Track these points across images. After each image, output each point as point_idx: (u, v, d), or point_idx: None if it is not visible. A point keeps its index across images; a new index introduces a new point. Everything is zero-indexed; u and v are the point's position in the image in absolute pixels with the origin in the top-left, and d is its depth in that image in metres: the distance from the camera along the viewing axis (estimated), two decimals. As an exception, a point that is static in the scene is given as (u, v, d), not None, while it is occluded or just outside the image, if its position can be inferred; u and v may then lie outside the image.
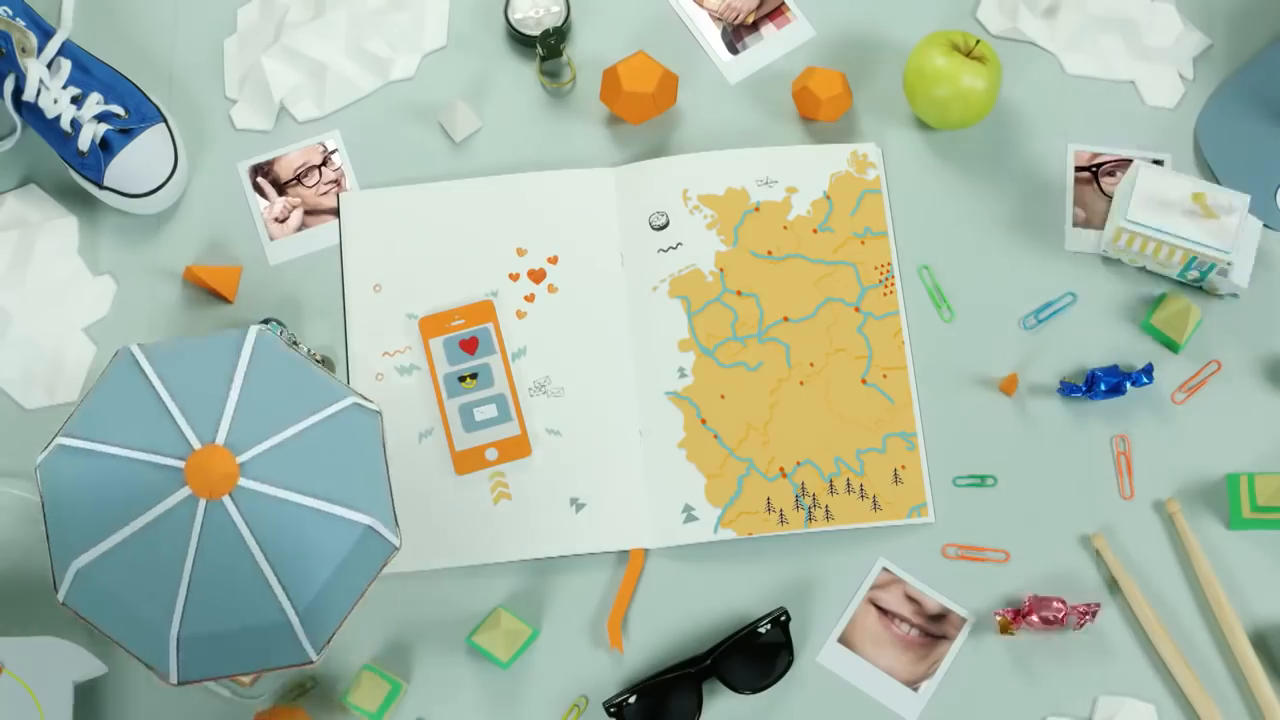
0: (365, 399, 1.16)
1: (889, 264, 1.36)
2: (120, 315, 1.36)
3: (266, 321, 1.32)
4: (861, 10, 1.45)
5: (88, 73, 1.36)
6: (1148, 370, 1.31)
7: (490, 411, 1.33)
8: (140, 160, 1.35)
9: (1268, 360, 1.35)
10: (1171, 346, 1.34)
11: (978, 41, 1.36)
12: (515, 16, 1.43)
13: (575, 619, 1.29)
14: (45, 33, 1.36)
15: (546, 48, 1.41)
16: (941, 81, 1.35)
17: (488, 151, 1.41)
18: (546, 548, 1.29)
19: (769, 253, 1.36)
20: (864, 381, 1.33)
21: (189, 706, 1.27)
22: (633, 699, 1.24)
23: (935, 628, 1.29)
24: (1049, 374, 1.35)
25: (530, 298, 1.36)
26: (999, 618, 1.26)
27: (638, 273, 1.36)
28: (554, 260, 1.37)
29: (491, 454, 1.31)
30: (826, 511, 1.30)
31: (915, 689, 1.28)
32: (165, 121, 1.37)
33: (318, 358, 1.32)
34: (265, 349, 1.15)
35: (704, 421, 1.32)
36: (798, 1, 1.45)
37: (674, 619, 1.29)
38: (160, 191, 1.35)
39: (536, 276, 1.36)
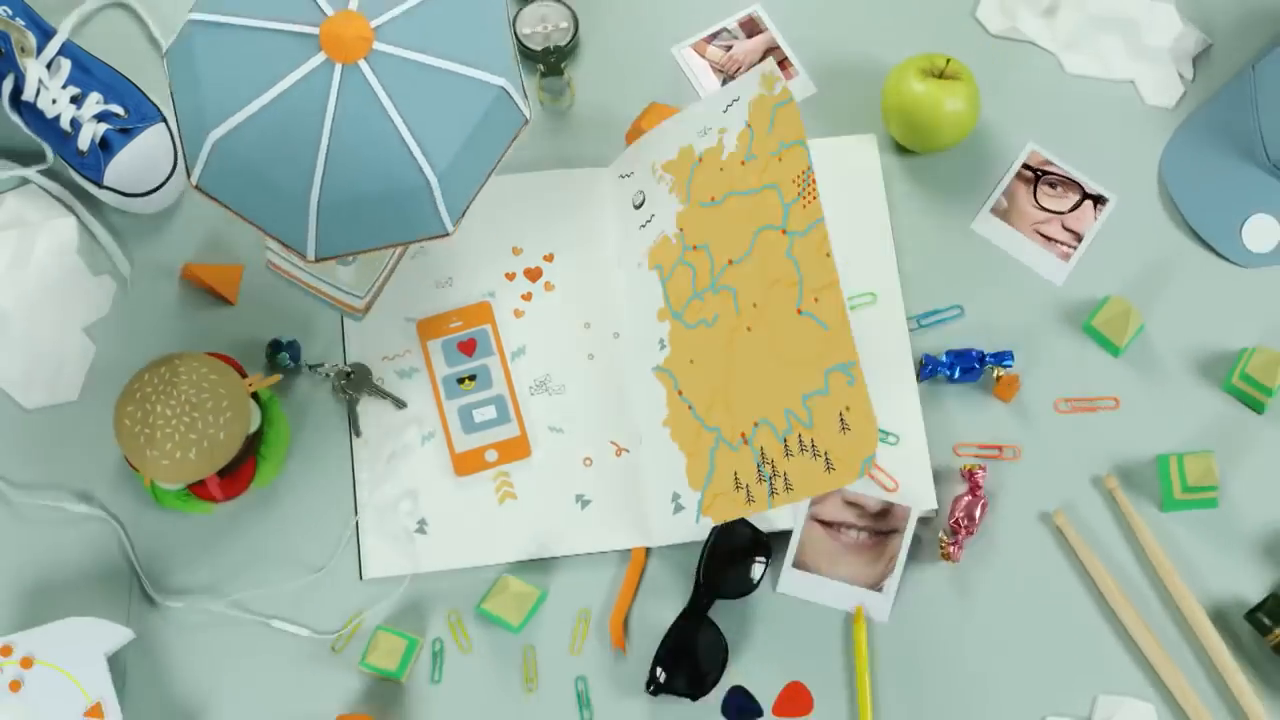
0: None
1: (805, 169, 1.26)
2: (120, 315, 1.36)
3: (277, 349, 1.32)
4: (858, 56, 1.44)
5: (87, 72, 1.36)
6: (981, 358, 1.32)
7: (490, 413, 1.33)
8: (140, 160, 1.35)
9: (1200, 356, 1.36)
10: (1111, 349, 1.34)
11: (948, 61, 1.36)
12: (523, 31, 1.43)
13: (575, 618, 1.29)
14: (45, 33, 1.36)
15: (547, 65, 1.41)
16: (923, 109, 1.34)
17: (486, 151, 1.41)
18: (554, 546, 1.29)
19: (712, 199, 1.32)
20: (799, 311, 1.25)
21: (211, 652, 1.27)
22: (660, 670, 1.25)
23: (882, 524, 1.29)
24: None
25: (527, 296, 1.36)
26: (941, 550, 1.28)
27: (627, 256, 1.35)
28: (550, 258, 1.37)
29: (491, 455, 1.32)
30: (786, 481, 1.23)
31: (879, 589, 1.28)
32: (165, 121, 1.37)
33: (348, 371, 1.32)
34: None
35: (681, 393, 1.30)
36: (801, 58, 1.44)
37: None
38: (160, 191, 1.35)
39: (533, 275, 1.36)
